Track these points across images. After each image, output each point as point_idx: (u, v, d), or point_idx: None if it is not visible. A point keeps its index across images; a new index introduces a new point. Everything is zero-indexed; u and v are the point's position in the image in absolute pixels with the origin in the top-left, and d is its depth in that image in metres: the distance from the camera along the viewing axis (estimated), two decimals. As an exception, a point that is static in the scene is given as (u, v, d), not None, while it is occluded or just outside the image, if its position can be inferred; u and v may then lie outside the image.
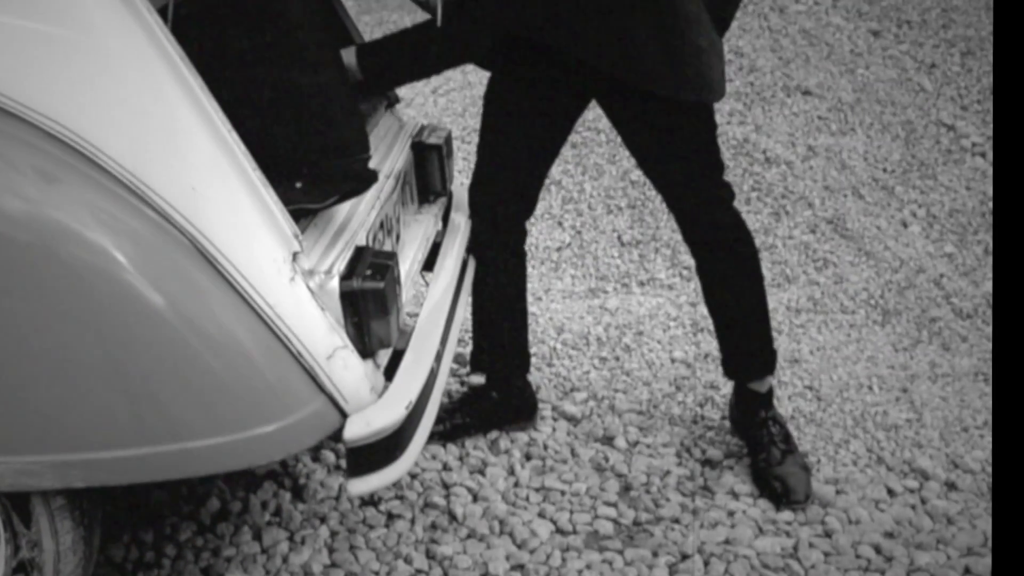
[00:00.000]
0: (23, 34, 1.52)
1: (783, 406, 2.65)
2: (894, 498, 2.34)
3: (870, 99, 4.23)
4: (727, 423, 2.55)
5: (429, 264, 2.23)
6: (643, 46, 2.06)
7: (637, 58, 2.06)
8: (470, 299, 2.42)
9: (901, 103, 4.21)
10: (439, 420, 2.46)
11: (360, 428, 1.59)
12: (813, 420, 2.61)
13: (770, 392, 2.45)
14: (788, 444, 2.38)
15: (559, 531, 2.24)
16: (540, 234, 3.61)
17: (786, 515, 2.27)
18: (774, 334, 2.46)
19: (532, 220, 3.57)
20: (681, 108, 2.15)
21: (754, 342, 2.41)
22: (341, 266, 1.67)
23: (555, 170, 3.90)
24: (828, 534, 2.23)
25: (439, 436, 2.48)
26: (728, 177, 2.32)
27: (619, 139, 3.98)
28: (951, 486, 2.38)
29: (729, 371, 2.46)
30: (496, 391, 2.54)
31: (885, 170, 3.87)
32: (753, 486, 2.35)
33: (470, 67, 4.72)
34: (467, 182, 2.41)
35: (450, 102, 4.51)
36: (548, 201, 3.76)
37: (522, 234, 2.44)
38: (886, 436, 2.56)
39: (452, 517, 2.27)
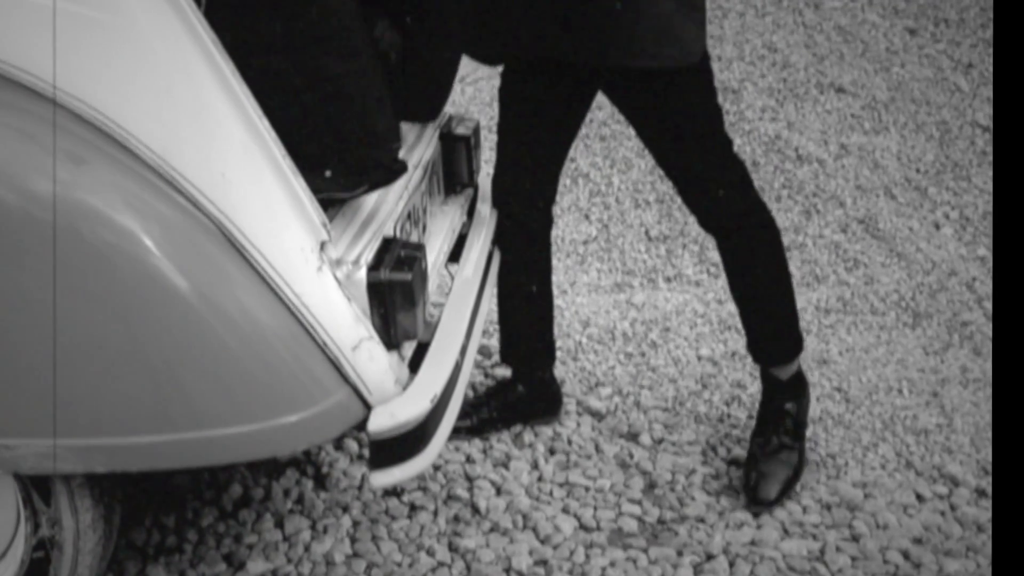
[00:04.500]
0: (56, 15, 1.51)
1: (811, 407, 2.61)
2: (923, 503, 2.31)
3: (905, 98, 4.17)
4: (754, 422, 2.51)
5: (454, 255, 2.22)
6: (592, 21, 2.04)
7: (591, 34, 2.05)
8: (495, 291, 2.40)
9: (936, 103, 4.16)
10: (466, 415, 2.45)
11: (385, 420, 1.57)
12: (841, 422, 2.58)
13: (792, 383, 2.37)
14: (793, 440, 2.32)
15: (583, 527, 2.22)
16: (567, 227, 3.58)
17: (813, 517, 2.24)
18: (803, 333, 2.43)
19: (559, 212, 3.56)
20: (672, 80, 2.11)
21: (777, 327, 2.37)
22: (369, 256, 1.66)
23: (583, 163, 3.87)
24: (855, 538, 2.20)
25: (467, 431, 2.47)
26: (759, 174, 2.28)
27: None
28: (981, 493, 2.34)
29: (754, 355, 2.42)
30: (522, 384, 2.53)
31: (918, 170, 3.82)
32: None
33: (500, 58, 4.70)
34: (492, 172, 2.40)
35: (478, 91, 4.48)
36: (575, 194, 3.74)
37: (548, 221, 2.42)
38: (916, 440, 2.52)
39: (475, 510, 2.25)
